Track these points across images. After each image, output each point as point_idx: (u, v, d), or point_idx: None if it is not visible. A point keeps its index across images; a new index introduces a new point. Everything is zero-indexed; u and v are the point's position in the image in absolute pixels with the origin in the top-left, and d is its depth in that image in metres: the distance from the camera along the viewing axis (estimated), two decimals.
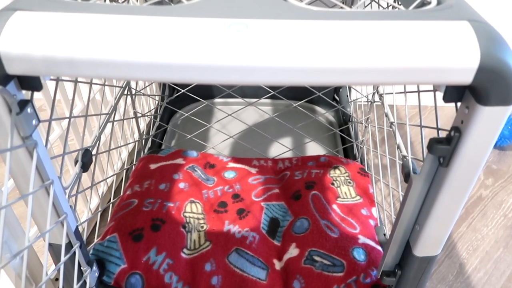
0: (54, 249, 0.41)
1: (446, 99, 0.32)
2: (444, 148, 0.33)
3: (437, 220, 0.37)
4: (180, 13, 0.29)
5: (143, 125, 0.89)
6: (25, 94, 0.33)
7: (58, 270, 0.39)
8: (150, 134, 0.77)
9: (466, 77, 0.28)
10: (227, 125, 0.88)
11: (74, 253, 0.42)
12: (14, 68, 0.28)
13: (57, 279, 0.57)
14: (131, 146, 0.83)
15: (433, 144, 0.33)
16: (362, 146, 0.72)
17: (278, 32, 0.27)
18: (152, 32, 0.27)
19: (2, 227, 0.26)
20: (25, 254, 0.29)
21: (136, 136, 0.83)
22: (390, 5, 0.41)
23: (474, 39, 0.27)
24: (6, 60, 0.28)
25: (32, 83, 0.32)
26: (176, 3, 0.33)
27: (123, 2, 0.53)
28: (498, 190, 0.81)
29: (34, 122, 0.33)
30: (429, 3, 0.34)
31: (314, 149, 0.83)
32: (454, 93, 0.31)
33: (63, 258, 0.38)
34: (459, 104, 0.32)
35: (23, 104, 0.32)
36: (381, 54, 0.27)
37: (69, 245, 0.42)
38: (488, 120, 0.30)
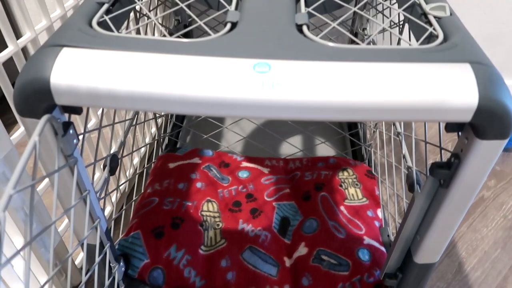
0: (87, 248, 0.46)
1: (448, 129, 0.35)
2: (444, 172, 0.36)
3: (436, 233, 0.41)
4: (208, 51, 0.32)
5: (159, 121, 0.93)
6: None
7: (88, 269, 0.43)
8: (167, 132, 0.80)
9: (465, 117, 0.31)
10: (240, 123, 0.91)
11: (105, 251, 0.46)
12: (62, 100, 0.32)
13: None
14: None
15: (435, 168, 0.37)
16: (370, 148, 0.76)
17: (297, 75, 0.30)
18: (185, 71, 0.31)
19: (53, 242, 0.30)
20: (69, 262, 0.34)
21: (153, 133, 0.87)
22: (396, 35, 0.44)
23: (473, 82, 0.30)
24: (56, 93, 0.31)
25: (74, 108, 0.35)
26: (200, 35, 0.36)
27: (147, 21, 0.56)
28: (499, 192, 0.85)
29: (75, 141, 0.37)
30: (437, 37, 0.37)
31: (324, 149, 0.86)
32: (455, 126, 0.34)
33: (97, 259, 0.43)
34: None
35: (66, 126, 0.36)
36: (388, 96, 0.30)
37: (101, 245, 0.46)
38: (485, 152, 0.33)
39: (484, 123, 0.31)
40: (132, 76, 0.31)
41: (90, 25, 0.37)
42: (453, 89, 0.30)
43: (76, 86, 0.31)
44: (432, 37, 0.38)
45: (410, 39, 0.48)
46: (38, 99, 0.32)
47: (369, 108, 0.30)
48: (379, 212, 0.66)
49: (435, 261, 0.45)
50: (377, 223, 0.63)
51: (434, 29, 0.38)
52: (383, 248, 0.59)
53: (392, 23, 0.62)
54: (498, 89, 0.31)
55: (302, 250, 0.59)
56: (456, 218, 0.39)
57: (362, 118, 0.31)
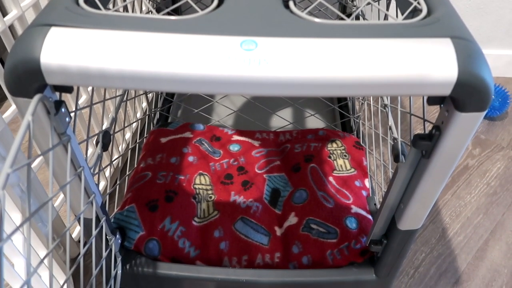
0: (83, 222, 0.47)
1: (430, 102, 0.36)
2: (426, 143, 0.38)
3: (418, 201, 0.43)
4: (196, 29, 0.33)
5: (150, 96, 0.93)
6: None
7: (86, 241, 0.45)
8: (158, 107, 0.81)
9: (445, 90, 0.32)
10: (230, 97, 0.92)
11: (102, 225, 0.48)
12: (53, 79, 0.32)
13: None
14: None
15: (417, 140, 0.38)
16: (358, 120, 0.77)
17: (283, 52, 0.31)
18: (173, 49, 0.31)
19: (51, 217, 0.32)
20: (67, 236, 0.35)
21: (144, 107, 0.87)
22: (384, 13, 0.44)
23: (453, 57, 0.31)
24: (47, 73, 0.32)
25: (65, 87, 0.36)
26: (186, 10, 0.36)
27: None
28: (484, 160, 0.87)
29: (67, 119, 0.38)
30: (421, 11, 0.37)
31: (313, 122, 0.87)
32: (436, 99, 0.35)
33: (94, 232, 0.44)
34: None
35: (58, 104, 0.36)
36: (370, 71, 0.31)
37: (97, 219, 0.48)
38: (464, 124, 0.35)
39: (463, 96, 0.32)
40: (122, 55, 0.31)
41: (77, 3, 0.37)
42: (433, 64, 0.31)
43: (66, 65, 0.31)
44: (416, 11, 0.38)
45: (397, 12, 0.48)
46: (29, 79, 0.32)
47: (352, 84, 0.31)
48: (367, 182, 0.68)
49: (418, 227, 0.47)
50: (364, 193, 0.66)
51: (418, 3, 0.38)
52: (369, 216, 0.61)
53: None
54: (477, 64, 0.32)
55: (292, 219, 0.61)
56: (437, 187, 0.41)
57: (345, 94, 0.32)
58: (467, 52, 0.32)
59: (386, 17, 0.58)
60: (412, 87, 0.32)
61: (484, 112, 0.34)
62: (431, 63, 0.31)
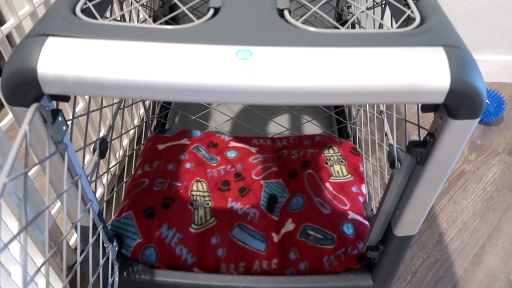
0: (80, 230, 0.47)
1: (424, 110, 0.37)
2: (421, 150, 0.38)
3: (413, 207, 0.43)
4: (191, 38, 0.33)
5: (147, 103, 0.93)
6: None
7: (83, 249, 0.45)
8: (156, 114, 0.81)
9: (438, 98, 0.32)
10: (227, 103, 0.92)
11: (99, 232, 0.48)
12: (50, 89, 0.33)
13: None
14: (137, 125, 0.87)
15: (411, 147, 0.39)
16: (355, 126, 0.77)
17: (278, 61, 0.32)
18: (169, 59, 0.32)
19: (47, 225, 0.32)
20: (64, 244, 0.35)
21: (141, 114, 0.87)
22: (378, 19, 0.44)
23: (446, 65, 0.32)
24: (43, 82, 0.32)
25: (62, 96, 0.36)
26: (182, 17, 0.36)
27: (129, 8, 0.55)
28: (480, 165, 0.88)
29: (64, 127, 0.38)
30: (414, 19, 0.38)
31: (310, 128, 0.88)
32: (430, 106, 0.36)
33: (91, 240, 0.44)
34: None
35: (55, 113, 0.36)
36: (365, 80, 0.31)
37: (94, 227, 0.48)
38: (457, 131, 0.35)
39: (456, 104, 0.33)
40: (118, 65, 0.31)
41: (74, 13, 0.37)
42: (426, 72, 0.32)
43: (63, 75, 0.32)
44: (410, 20, 0.39)
45: (391, 20, 0.49)
46: (26, 89, 0.32)
47: (346, 92, 0.31)
48: (363, 188, 0.68)
49: (414, 233, 0.47)
50: (361, 198, 0.66)
51: (411, 11, 0.39)
52: (366, 222, 0.62)
53: (375, 3, 0.62)
54: (469, 72, 0.32)
55: (289, 226, 0.61)
56: (432, 194, 0.41)
57: (340, 102, 0.32)
58: (460, 60, 0.32)
59: (381, 26, 0.58)
60: (406, 95, 0.32)
61: (477, 119, 0.35)
62: (424, 71, 0.32)
